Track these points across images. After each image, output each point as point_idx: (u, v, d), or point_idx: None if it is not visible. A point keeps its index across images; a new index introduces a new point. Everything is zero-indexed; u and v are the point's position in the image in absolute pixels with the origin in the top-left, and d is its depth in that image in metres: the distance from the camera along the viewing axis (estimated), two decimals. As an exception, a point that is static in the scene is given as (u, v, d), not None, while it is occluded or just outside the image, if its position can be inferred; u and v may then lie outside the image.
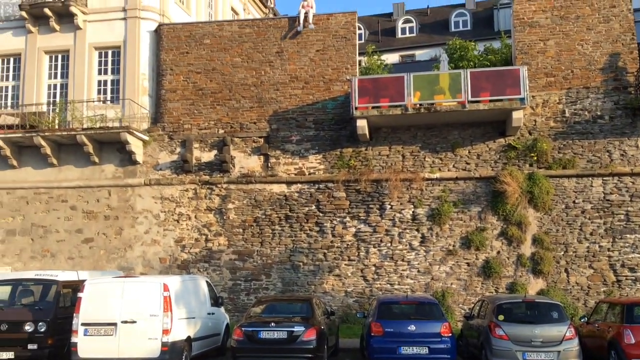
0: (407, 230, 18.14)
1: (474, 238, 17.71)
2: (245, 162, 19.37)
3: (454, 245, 17.89)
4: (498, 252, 17.71)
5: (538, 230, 17.66)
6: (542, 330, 11.78)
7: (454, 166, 18.34)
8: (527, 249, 17.61)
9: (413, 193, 18.25)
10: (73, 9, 20.56)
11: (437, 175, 18.24)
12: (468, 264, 17.74)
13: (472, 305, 15.73)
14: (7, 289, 13.93)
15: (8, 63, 21.71)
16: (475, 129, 18.39)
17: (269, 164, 19.22)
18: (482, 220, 17.88)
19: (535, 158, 17.95)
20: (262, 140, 19.37)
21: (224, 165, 19.21)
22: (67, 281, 13.67)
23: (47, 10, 20.60)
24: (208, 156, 19.57)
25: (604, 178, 17.65)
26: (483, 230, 17.79)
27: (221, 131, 19.65)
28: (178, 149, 19.78)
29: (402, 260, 18.01)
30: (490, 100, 17.37)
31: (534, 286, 17.36)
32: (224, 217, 19.04)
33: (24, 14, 20.84)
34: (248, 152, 19.42)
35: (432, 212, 18.07)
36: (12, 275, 15.45)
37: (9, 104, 21.44)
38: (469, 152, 18.36)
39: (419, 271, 17.91)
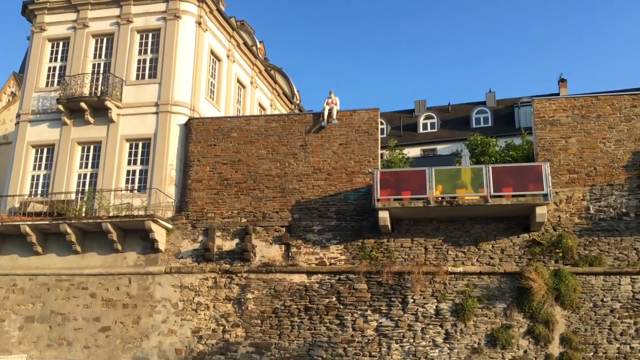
0: (431, 326, 17.60)
1: (499, 336, 17.07)
2: (266, 251, 19.36)
3: (479, 343, 17.23)
4: (525, 352, 16.99)
5: (566, 329, 17.00)
6: None
7: (477, 260, 18.06)
8: (555, 349, 16.87)
9: (436, 287, 17.89)
10: (108, 104, 21.60)
11: (461, 269, 17.94)
12: (494, 364, 16.99)
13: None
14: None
15: (42, 153, 22.59)
16: (498, 224, 18.26)
17: (290, 254, 19.17)
18: (508, 317, 17.31)
19: (561, 254, 17.62)
20: (283, 229, 19.45)
21: (245, 254, 19.22)
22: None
23: (83, 105, 21.65)
24: (230, 245, 19.63)
25: (632, 276, 17.14)
26: (509, 327, 17.18)
27: (244, 220, 19.84)
28: (200, 237, 19.92)
29: (426, 357, 17.32)
30: (513, 196, 17.37)
31: (564, 389, 16.46)
32: (243, 307, 18.78)
33: (60, 107, 21.92)
34: (269, 241, 19.46)
35: (456, 307, 17.60)
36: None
37: (39, 192, 22.09)
38: (493, 246, 18.13)
39: (442, 370, 17.18)
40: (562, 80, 42.05)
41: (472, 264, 18.01)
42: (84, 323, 19.41)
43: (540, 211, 17.23)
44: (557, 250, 17.64)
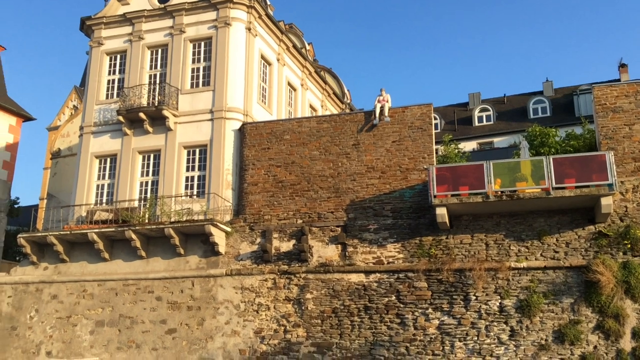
0: (495, 323, 17.23)
1: (567, 332, 16.53)
2: (323, 251, 19.45)
3: (546, 340, 16.74)
4: (595, 347, 16.39)
5: (638, 323, 16.29)
6: None
7: (541, 255, 17.55)
8: (626, 344, 16.20)
9: (499, 283, 17.50)
10: (165, 113, 22.24)
11: (524, 264, 17.48)
12: (563, 360, 16.48)
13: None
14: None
15: (105, 163, 23.47)
16: (562, 216, 17.68)
17: (347, 253, 19.18)
18: (576, 313, 16.74)
19: (629, 246, 16.91)
20: (339, 229, 19.49)
21: (302, 254, 19.37)
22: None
23: (141, 115, 22.37)
24: (287, 246, 19.84)
25: None
26: (577, 323, 16.61)
27: (299, 221, 20.00)
28: (258, 240, 20.22)
29: (491, 355, 16.98)
30: (576, 187, 16.79)
31: (637, 384, 15.79)
32: (303, 308, 18.93)
33: (120, 118, 22.72)
34: (326, 241, 19.54)
35: (521, 303, 17.16)
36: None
37: (104, 200, 22.95)
38: (557, 240, 17.58)
39: (509, 367, 16.78)
40: (622, 66, 40.36)
41: (535, 259, 17.52)
42: (151, 326, 20.03)
43: (606, 202, 16.58)
44: (625, 242, 16.94)
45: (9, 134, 29.75)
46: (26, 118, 30.92)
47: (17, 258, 27.65)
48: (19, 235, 22.01)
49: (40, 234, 21.67)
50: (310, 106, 29.61)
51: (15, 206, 31.69)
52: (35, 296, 21.58)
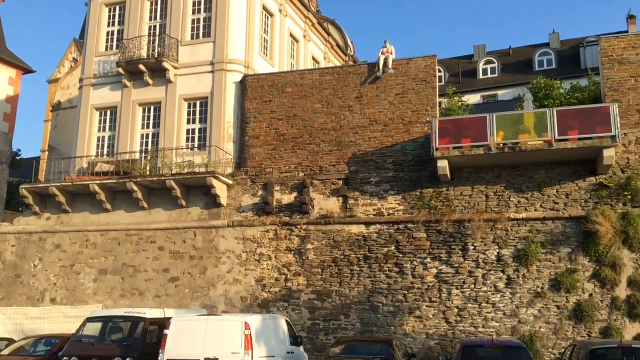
0: (492, 272, 17.45)
1: (563, 280, 16.76)
2: (324, 203, 19.56)
3: (542, 287, 16.99)
4: (590, 295, 16.64)
5: (634, 272, 16.49)
6: (641, 378, 10.87)
7: (541, 206, 17.63)
8: (622, 292, 16.44)
9: (498, 233, 17.64)
10: (165, 64, 22.01)
11: (523, 215, 17.58)
12: (558, 307, 16.75)
13: (563, 350, 14.77)
14: (98, 326, 14.69)
15: (105, 115, 23.40)
16: (563, 168, 17.67)
17: (348, 205, 19.30)
18: (573, 262, 16.93)
19: (629, 197, 16.95)
20: (340, 182, 19.55)
21: (303, 206, 19.49)
22: (154, 318, 14.18)
23: (141, 66, 22.16)
24: (288, 198, 19.95)
25: None
26: (574, 271, 16.82)
27: (301, 174, 20.05)
28: (260, 192, 20.32)
29: (487, 302, 17.28)
30: (579, 139, 16.72)
31: (629, 331, 16.10)
32: (303, 257, 19.18)
33: (120, 70, 22.52)
34: (327, 194, 19.63)
35: (518, 252, 17.34)
36: (103, 313, 16.24)
37: (105, 152, 22.99)
38: (557, 191, 17.62)
39: (504, 314, 17.10)
40: (630, 17, 39.52)
41: (535, 210, 17.61)
42: (154, 274, 20.37)
43: (608, 153, 16.55)
44: (626, 193, 16.98)
45: (9, 86, 29.61)
46: (26, 70, 30.71)
47: (20, 209, 27.94)
48: (21, 186, 22.20)
49: (42, 185, 21.84)
50: (313, 58, 29.24)
51: (17, 158, 31.83)
52: (39, 245, 21.90)
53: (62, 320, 19.00)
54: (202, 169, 20.61)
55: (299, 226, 19.46)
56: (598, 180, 17.36)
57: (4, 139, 28.21)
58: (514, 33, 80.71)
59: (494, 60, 41.57)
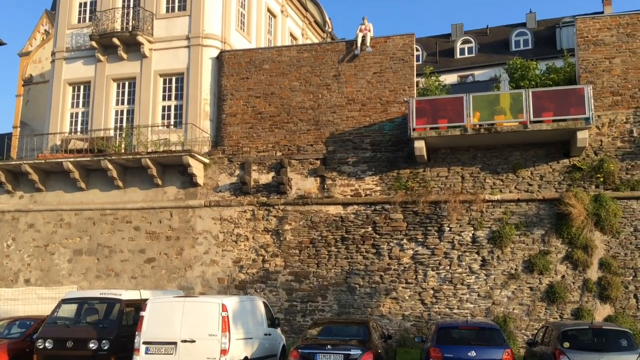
0: (467, 253, 17.72)
1: (537, 262, 17.10)
2: (302, 183, 19.53)
3: (516, 269, 17.32)
4: (563, 277, 17.02)
5: (605, 254, 16.89)
6: (609, 358, 11.18)
7: (515, 188, 17.85)
8: (593, 274, 16.84)
9: (473, 215, 17.86)
10: (140, 39, 21.51)
11: (498, 197, 17.80)
12: (531, 289, 17.12)
13: (536, 331, 15.16)
14: (74, 307, 14.48)
15: (78, 90, 22.86)
16: (537, 150, 17.89)
17: (325, 186, 19.30)
18: (546, 244, 17.26)
19: (602, 179, 17.26)
20: (318, 162, 19.50)
21: (281, 187, 19.44)
22: (130, 300, 14.06)
23: (115, 40, 21.63)
24: (266, 178, 19.86)
25: (677, 200, 16.73)
26: (547, 253, 17.16)
27: (279, 154, 19.93)
28: (237, 172, 20.17)
29: (462, 284, 17.58)
30: (554, 120, 16.89)
31: (601, 312, 16.56)
32: (281, 238, 19.20)
33: (93, 43, 21.96)
34: (305, 174, 19.58)
35: (493, 234, 17.61)
36: (78, 294, 16.05)
37: (79, 129, 22.52)
38: (532, 173, 17.85)
39: (479, 295, 17.42)
40: (606, -2, 39.80)
41: (509, 192, 17.84)
42: (130, 255, 20.21)
43: (582, 135, 16.77)
44: (598, 175, 17.28)
45: (-23, 59, 28.63)
46: (-5, 43, 29.74)
47: (-8, 187, 27.30)
48: (-8, 164, 21.67)
49: (14, 163, 21.36)
50: (291, 34, 28.85)
51: (-12, 134, 31.01)
52: (12, 225, 21.52)
53: (37, 301, 18.79)
54: (179, 148, 20.35)
55: (276, 207, 19.43)
56: (572, 163, 17.62)
57: (-28, 113, 27.40)
58: (492, 12, 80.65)
59: (472, 39, 41.61)
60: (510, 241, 17.43)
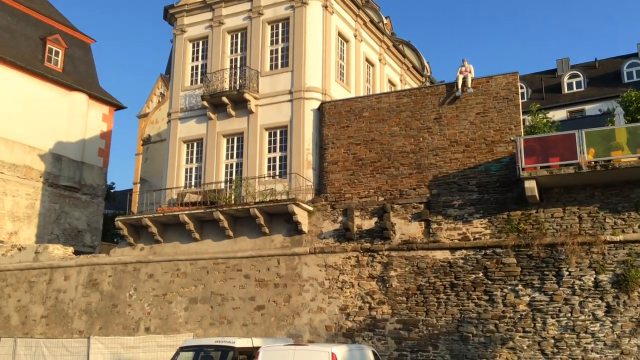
0: (589, 299, 16.48)
1: (670, 308, 15.57)
2: (405, 228, 19.28)
3: (646, 316, 15.85)
4: (703, 325, 15.33)
5: None
6: None
7: (639, 227, 16.52)
8: None
9: (594, 258, 16.67)
10: (246, 96, 22.70)
11: (621, 237, 16.53)
12: (666, 338, 15.54)
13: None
14: (190, 355, 15.14)
15: (192, 147, 24.36)
16: (662, 186, 16.54)
17: (431, 230, 18.91)
18: (680, 288, 15.70)
19: None
20: (422, 206, 19.21)
21: (384, 232, 19.29)
22: (242, 348, 14.42)
23: (224, 99, 22.97)
24: (369, 224, 19.81)
25: None
26: (682, 299, 15.58)
27: (381, 199, 19.90)
28: (340, 218, 20.33)
29: (585, 332, 16.30)
30: (678, 154, 15.63)
31: None
32: (387, 285, 18.91)
33: (205, 103, 23.43)
34: (408, 218, 19.34)
35: (618, 278, 16.29)
36: (195, 342, 16.71)
37: (193, 183, 23.88)
38: (657, 211, 16.48)
39: (605, 344, 16.03)
40: None
41: (633, 232, 16.53)
42: (241, 302, 20.75)
43: None
44: None
45: (103, 122, 31.54)
46: (118, 107, 32.62)
47: (115, 240, 29.42)
48: (116, 219, 23.37)
49: (135, 217, 22.89)
50: (389, 81, 29.20)
51: (112, 191, 33.67)
52: (134, 275, 22.91)
53: (156, 349, 19.69)
54: (284, 197, 20.92)
55: (380, 252, 19.26)
56: None
57: (99, 173, 29.96)
58: (600, 44, 77.13)
59: (580, 73, 39.89)
60: (637, 285, 16.02)
